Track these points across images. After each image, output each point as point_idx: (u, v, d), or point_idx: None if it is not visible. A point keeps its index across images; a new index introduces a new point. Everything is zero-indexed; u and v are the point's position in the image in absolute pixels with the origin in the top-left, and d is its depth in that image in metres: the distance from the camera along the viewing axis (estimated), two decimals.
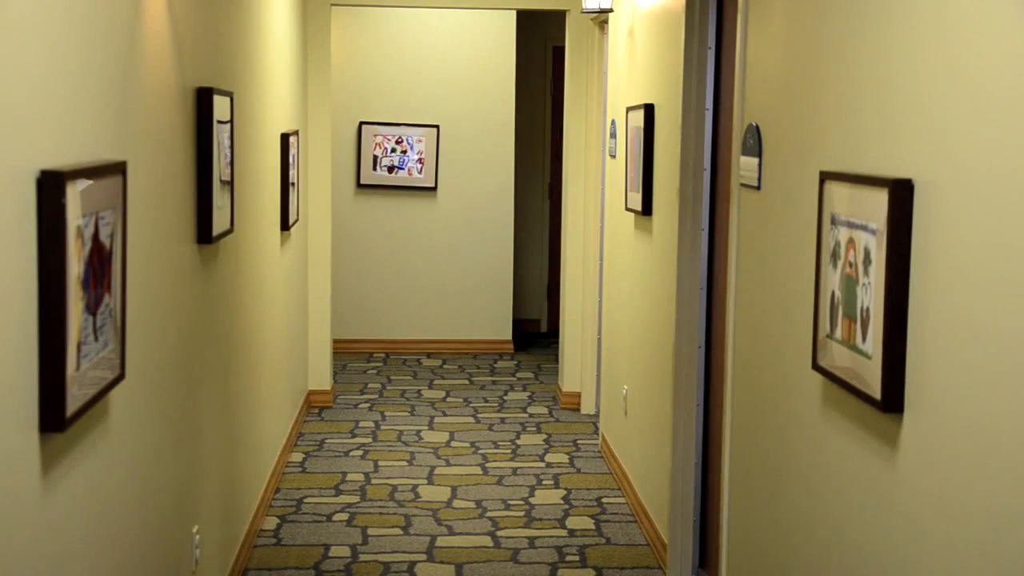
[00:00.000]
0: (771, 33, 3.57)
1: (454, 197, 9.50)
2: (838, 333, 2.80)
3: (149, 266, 3.22)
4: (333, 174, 8.50)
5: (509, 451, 6.82)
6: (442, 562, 5.11)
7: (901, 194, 2.44)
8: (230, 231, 4.36)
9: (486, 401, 8.03)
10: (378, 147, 9.48)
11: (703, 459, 4.84)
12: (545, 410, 7.81)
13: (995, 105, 2.11)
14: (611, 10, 6.46)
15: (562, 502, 5.92)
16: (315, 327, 7.77)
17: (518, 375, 8.87)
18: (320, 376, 7.79)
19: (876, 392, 2.53)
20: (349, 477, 6.27)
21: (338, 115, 9.17)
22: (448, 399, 8.07)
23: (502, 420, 7.54)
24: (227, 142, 4.24)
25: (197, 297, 3.94)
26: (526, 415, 7.67)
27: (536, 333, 10.33)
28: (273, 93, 5.85)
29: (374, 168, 9.48)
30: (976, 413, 2.16)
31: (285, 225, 6.22)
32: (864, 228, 2.62)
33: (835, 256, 2.83)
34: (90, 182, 2.48)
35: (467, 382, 8.55)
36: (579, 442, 7.04)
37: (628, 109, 5.88)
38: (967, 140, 2.22)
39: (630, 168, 5.79)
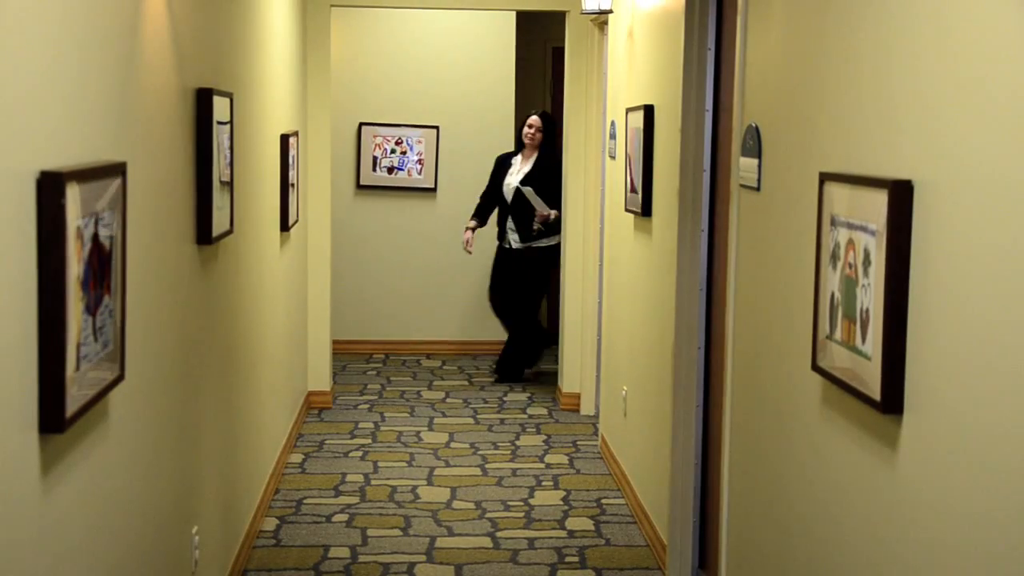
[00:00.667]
0: (771, 34, 3.57)
1: (454, 198, 9.50)
2: (838, 334, 2.80)
3: (149, 267, 3.22)
4: (333, 175, 8.50)
5: (509, 452, 6.82)
6: (441, 563, 5.11)
7: (901, 195, 2.44)
8: (230, 232, 4.36)
9: (485, 402, 8.03)
10: (378, 148, 9.48)
11: (703, 460, 4.83)
12: (545, 411, 7.81)
13: (995, 106, 2.11)
14: (611, 11, 6.46)
15: (562, 503, 5.92)
16: (315, 328, 7.77)
17: None
18: (320, 377, 7.78)
19: (876, 393, 2.53)
20: (349, 478, 6.27)
21: (338, 116, 9.17)
22: (448, 400, 8.07)
23: (502, 421, 7.53)
24: (227, 143, 4.24)
25: (197, 298, 3.94)
26: (526, 416, 7.67)
27: None
28: (273, 94, 5.85)
29: (374, 169, 9.48)
30: (976, 414, 2.16)
31: (285, 226, 6.22)
32: (864, 229, 2.62)
33: (835, 257, 2.83)
34: (90, 183, 2.48)
35: (467, 383, 8.55)
36: (579, 443, 7.04)
37: (628, 110, 5.88)
38: (967, 141, 2.22)
39: (630, 169, 5.79)
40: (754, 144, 3.69)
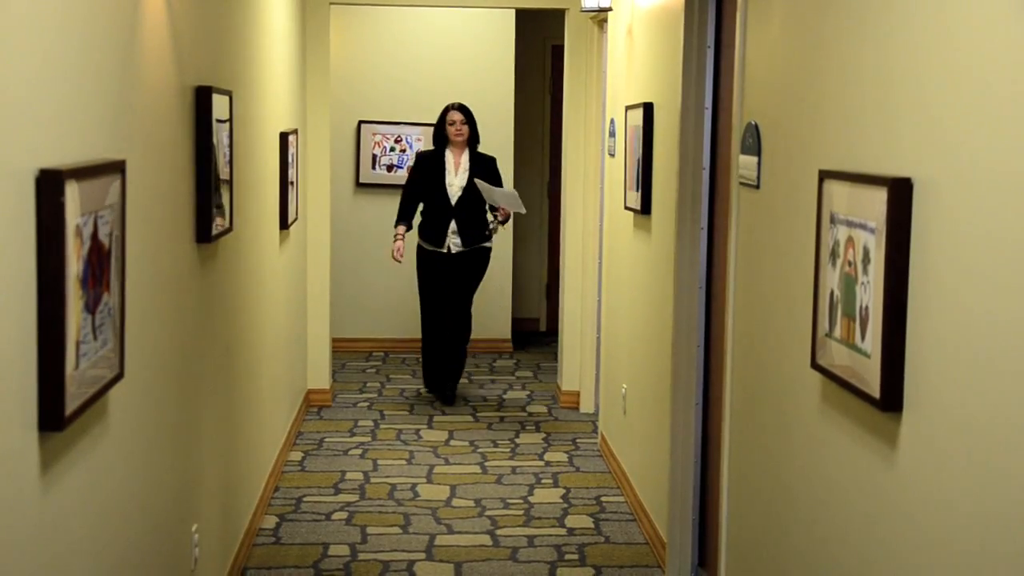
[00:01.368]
0: (770, 32, 3.57)
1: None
2: (837, 332, 2.80)
3: (148, 265, 3.22)
4: (332, 173, 8.49)
5: (508, 450, 6.82)
6: (441, 561, 5.11)
7: (900, 193, 2.44)
8: (229, 230, 4.36)
9: (485, 400, 8.03)
10: (377, 146, 9.47)
11: (702, 458, 4.84)
12: (544, 409, 7.81)
13: (995, 104, 2.11)
14: (610, 9, 6.46)
15: (561, 501, 5.92)
16: (314, 326, 7.77)
17: (517, 374, 8.87)
18: (319, 375, 7.78)
19: (875, 391, 2.53)
20: (348, 476, 6.27)
21: (337, 114, 9.16)
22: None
23: (501, 419, 7.53)
24: (226, 141, 4.24)
25: (196, 296, 3.94)
26: (525, 414, 7.67)
27: (535, 332, 10.33)
28: (272, 92, 5.85)
29: (373, 167, 9.48)
30: (975, 412, 2.16)
31: (284, 224, 6.22)
32: (863, 227, 2.62)
33: (834, 255, 2.83)
34: (89, 181, 2.48)
35: (466, 381, 8.55)
36: (578, 441, 7.04)
37: (627, 108, 5.88)
38: (966, 139, 2.21)
39: (629, 167, 5.79)
40: (753, 142, 3.69)
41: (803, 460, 3.16)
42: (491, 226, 7.67)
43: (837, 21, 2.95)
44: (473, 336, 9.41)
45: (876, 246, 2.54)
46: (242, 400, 5.00)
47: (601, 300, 7.17)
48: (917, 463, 2.41)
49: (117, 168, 2.72)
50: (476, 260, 7.72)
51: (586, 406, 7.74)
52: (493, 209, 7.63)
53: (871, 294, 2.58)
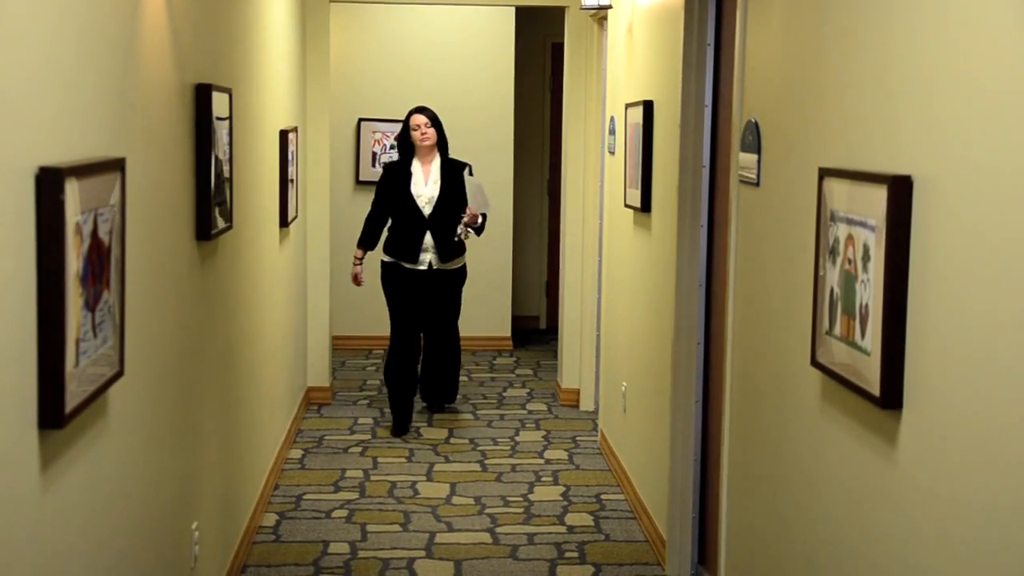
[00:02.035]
0: (770, 29, 3.57)
1: None
2: (837, 330, 2.80)
3: (148, 263, 3.22)
4: (332, 170, 8.49)
5: (508, 448, 6.82)
6: (441, 559, 5.11)
7: (900, 190, 2.44)
8: (229, 228, 4.35)
9: (485, 398, 8.03)
10: (377, 143, 9.47)
11: (702, 455, 4.84)
12: (544, 407, 7.81)
13: (995, 101, 2.11)
14: (610, 6, 6.45)
15: (561, 498, 5.93)
16: (314, 324, 7.77)
17: (517, 372, 8.87)
18: (319, 373, 7.78)
19: (875, 388, 2.53)
20: (348, 474, 6.27)
21: (337, 111, 9.16)
22: None
23: (501, 417, 7.53)
24: (226, 138, 4.24)
25: (196, 294, 3.94)
26: (525, 412, 7.67)
27: (535, 330, 10.33)
28: (272, 89, 5.85)
29: (373, 164, 9.47)
30: (974, 409, 2.16)
31: (284, 222, 6.22)
32: (863, 225, 2.62)
33: (834, 253, 2.83)
34: (89, 179, 2.48)
35: (466, 379, 8.55)
36: (578, 439, 7.05)
37: (627, 105, 5.88)
38: (966, 136, 2.21)
39: (629, 165, 5.79)
40: (753, 139, 3.68)
41: (803, 458, 3.16)
42: (459, 233, 6.91)
43: (837, 19, 2.94)
44: (473, 334, 9.43)
45: (876, 244, 2.54)
46: (242, 398, 5.00)
47: (601, 298, 7.17)
48: (917, 461, 2.41)
49: (117, 166, 2.72)
50: (457, 274, 7.13)
51: (586, 404, 7.74)
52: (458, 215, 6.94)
53: (871, 292, 2.58)
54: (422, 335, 7.31)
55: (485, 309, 9.40)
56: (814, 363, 2.96)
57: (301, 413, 7.33)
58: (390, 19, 9.44)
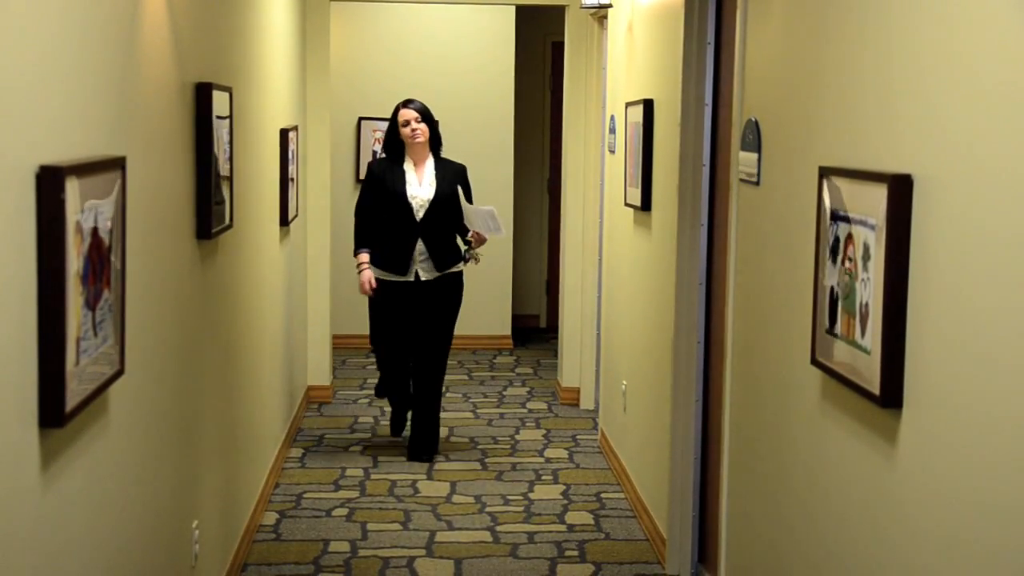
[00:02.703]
0: (770, 28, 3.57)
1: None
2: (837, 328, 2.80)
3: (148, 261, 3.22)
4: (332, 169, 8.49)
5: (508, 446, 6.82)
6: (441, 557, 5.11)
7: (900, 189, 2.44)
8: (229, 226, 4.35)
9: (485, 396, 8.03)
10: (377, 142, 9.45)
11: (702, 454, 4.84)
12: (544, 406, 7.81)
13: (995, 100, 2.11)
14: (610, 5, 6.45)
15: (561, 497, 5.93)
16: (314, 322, 7.77)
17: (517, 371, 8.87)
18: (319, 371, 7.78)
19: (875, 387, 2.53)
20: (348, 472, 6.27)
21: (337, 110, 9.16)
22: (447, 394, 8.06)
23: (501, 415, 7.54)
24: (226, 137, 4.24)
25: (196, 292, 3.94)
26: (525, 410, 7.67)
27: (535, 329, 10.33)
28: (272, 88, 5.85)
29: None
30: (975, 409, 2.16)
31: (284, 220, 6.22)
32: (863, 223, 2.62)
33: (834, 251, 2.83)
34: (89, 177, 2.48)
35: (466, 378, 8.55)
36: (578, 437, 7.05)
37: (627, 104, 5.88)
38: (967, 135, 2.22)
39: (629, 163, 5.79)
40: (754, 138, 3.69)
41: (803, 456, 3.16)
42: (465, 255, 6.34)
43: (837, 17, 2.94)
44: (473, 333, 9.38)
45: (876, 242, 2.54)
46: (242, 396, 5.00)
47: (601, 297, 7.17)
48: (917, 459, 2.41)
49: (117, 164, 2.72)
50: (451, 288, 6.34)
51: (586, 403, 7.74)
52: (464, 233, 6.33)
53: (871, 291, 2.58)
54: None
55: (485, 308, 9.39)
56: (814, 362, 2.96)
57: (301, 412, 7.33)
58: (390, 18, 9.44)
